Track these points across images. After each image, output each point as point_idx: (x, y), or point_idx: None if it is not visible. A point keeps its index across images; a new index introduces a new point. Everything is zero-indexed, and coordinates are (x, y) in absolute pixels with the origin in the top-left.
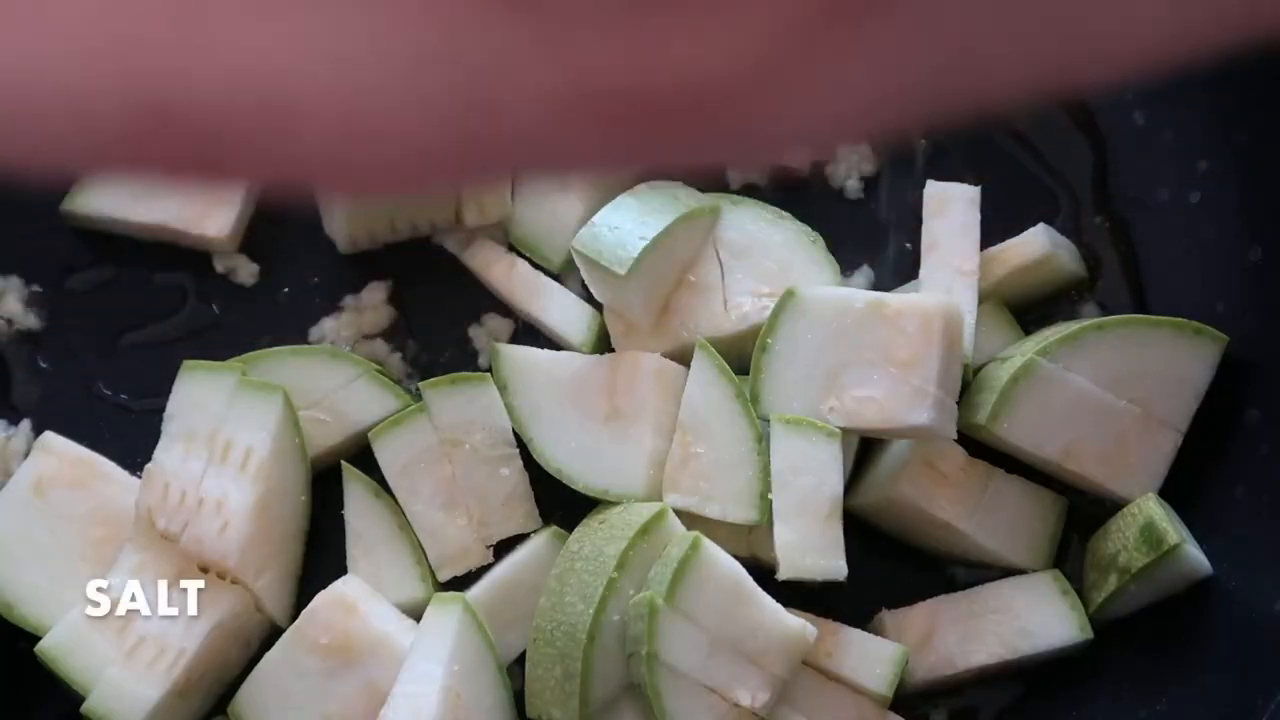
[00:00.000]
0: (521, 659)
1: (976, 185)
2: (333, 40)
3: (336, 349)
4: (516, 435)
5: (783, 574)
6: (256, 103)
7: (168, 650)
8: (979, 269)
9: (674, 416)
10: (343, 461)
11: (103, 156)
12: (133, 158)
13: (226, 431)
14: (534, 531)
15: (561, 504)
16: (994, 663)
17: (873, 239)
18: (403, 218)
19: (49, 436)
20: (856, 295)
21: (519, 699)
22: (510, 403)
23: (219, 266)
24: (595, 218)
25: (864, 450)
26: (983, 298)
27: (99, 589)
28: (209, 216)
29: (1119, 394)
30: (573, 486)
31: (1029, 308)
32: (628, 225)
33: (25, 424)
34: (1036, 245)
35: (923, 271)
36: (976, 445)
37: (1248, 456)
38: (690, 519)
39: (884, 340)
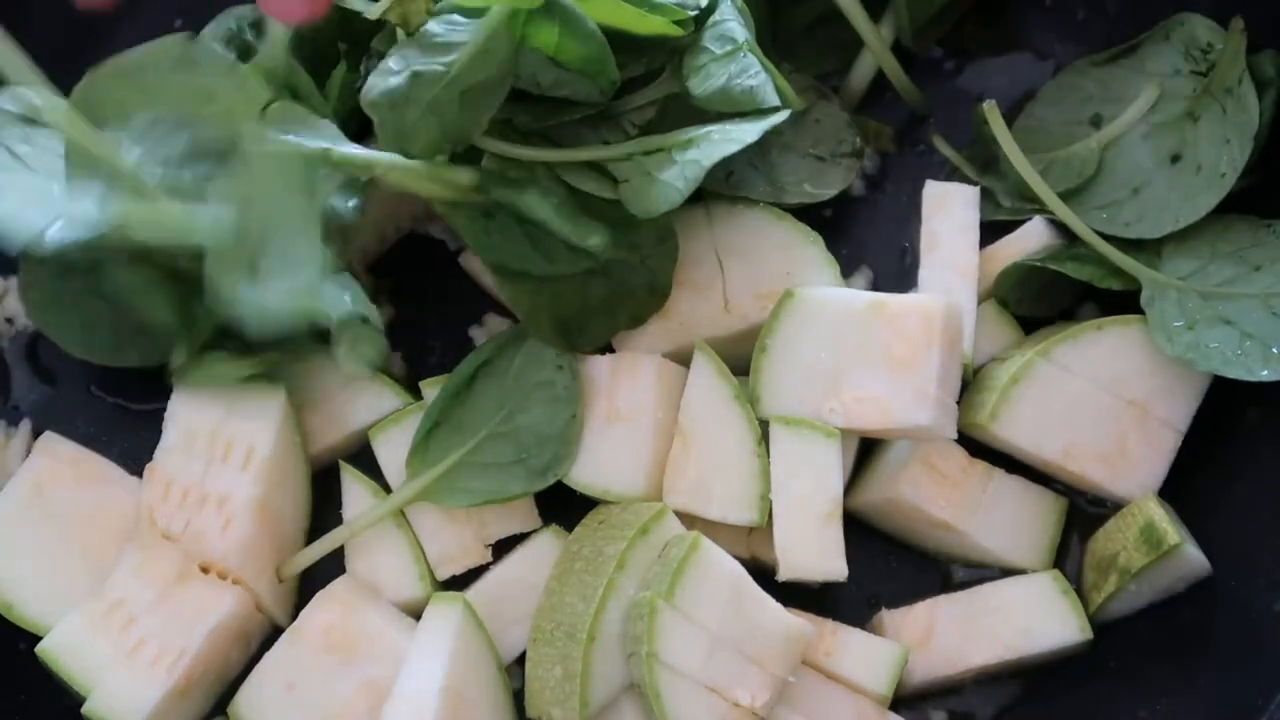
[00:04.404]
0: (521, 659)
1: (976, 185)
2: None
3: None
4: None
5: (783, 574)
6: None
7: (168, 650)
8: (979, 268)
9: (674, 417)
10: (341, 461)
11: None
12: None
13: (227, 431)
14: (534, 531)
15: (561, 504)
16: (994, 663)
17: (873, 239)
18: (389, 225)
19: (49, 436)
20: (856, 295)
21: (519, 699)
22: None
23: None
24: None
25: (864, 450)
26: (982, 298)
27: (99, 589)
28: None
29: (1119, 394)
30: (573, 486)
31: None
32: None
33: (25, 424)
34: (1035, 238)
35: (922, 271)
36: (976, 445)
37: (1248, 456)
38: (690, 519)
39: (884, 340)
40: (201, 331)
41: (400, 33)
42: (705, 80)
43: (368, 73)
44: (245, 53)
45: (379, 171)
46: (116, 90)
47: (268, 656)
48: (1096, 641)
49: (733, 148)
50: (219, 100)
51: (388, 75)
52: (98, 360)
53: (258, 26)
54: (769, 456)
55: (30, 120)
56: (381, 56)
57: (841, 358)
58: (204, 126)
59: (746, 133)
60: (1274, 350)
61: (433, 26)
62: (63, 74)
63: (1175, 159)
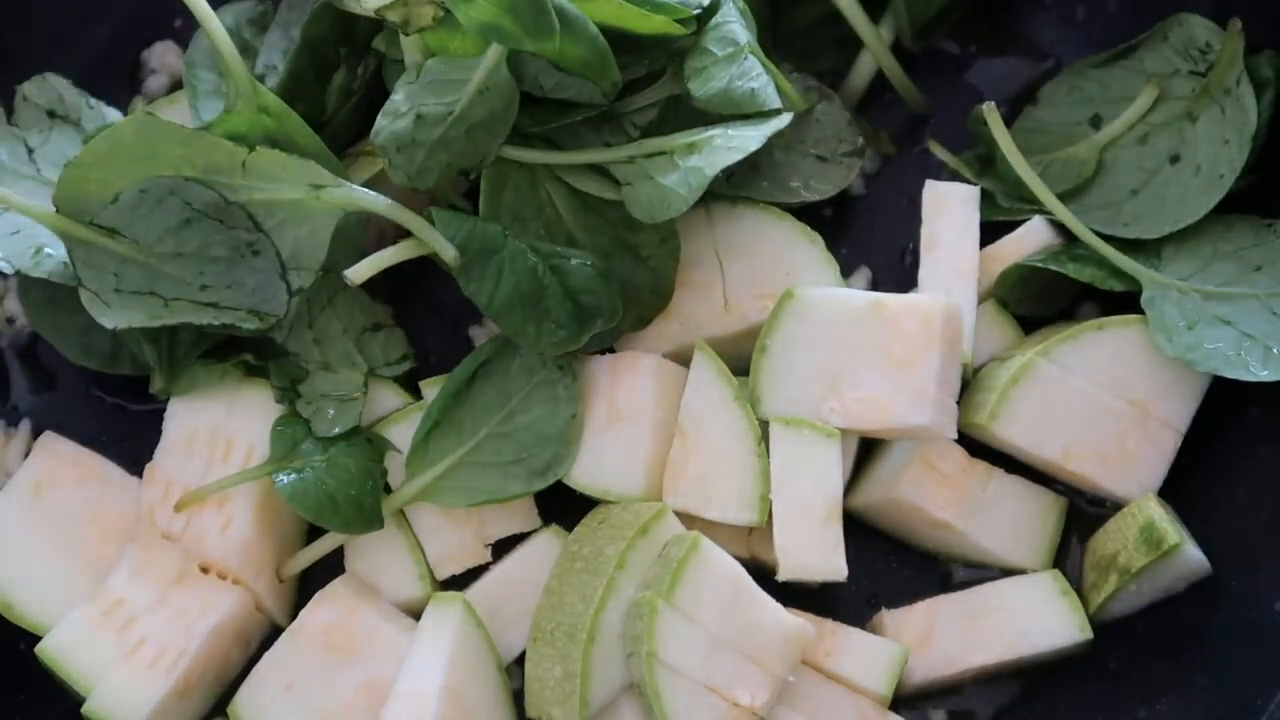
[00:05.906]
0: (521, 659)
1: (976, 185)
2: None
3: None
4: None
5: (783, 574)
6: None
7: (168, 650)
8: (979, 268)
9: (674, 417)
10: None
11: None
12: None
13: (227, 431)
14: (534, 531)
15: (561, 504)
16: (994, 663)
17: (873, 239)
18: (389, 225)
19: (49, 436)
20: (856, 295)
21: (519, 699)
22: None
23: None
24: None
25: (864, 450)
26: (982, 298)
27: (99, 589)
28: None
29: (1119, 394)
30: (573, 486)
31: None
32: None
33: (25, 424)
34: (1035, 238)
35: (922, 271)
36: (976, 445)
37: (1248, 456)
38: (690, 519)
39: (884, 340)
40: (181, 358)
41: (408, 58)
42: (707, 82)
43: (366, 73)
44: (244, 50)
45: (368, 209)
46: (95, 176)
47: (267, 656)
48: (1096, 641)
49: (736, 156)
50: (197, 161)
51: (394, 118)
52: (95, 366)
53: (257, 23)
54: (769, 456)
55: (53, 114)
56: (381, 58)
57: (841, 358)
58: (193, 188)
59: (749, 139)
60: (1274, 350)
61: (433, 64)
62: (62, 70)
63: (1174, 159)
